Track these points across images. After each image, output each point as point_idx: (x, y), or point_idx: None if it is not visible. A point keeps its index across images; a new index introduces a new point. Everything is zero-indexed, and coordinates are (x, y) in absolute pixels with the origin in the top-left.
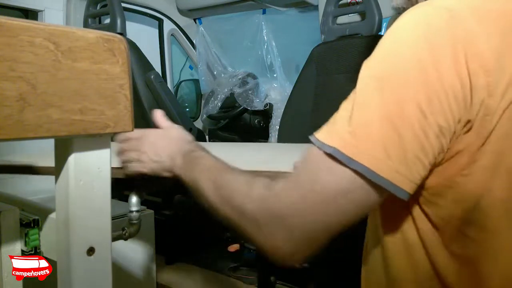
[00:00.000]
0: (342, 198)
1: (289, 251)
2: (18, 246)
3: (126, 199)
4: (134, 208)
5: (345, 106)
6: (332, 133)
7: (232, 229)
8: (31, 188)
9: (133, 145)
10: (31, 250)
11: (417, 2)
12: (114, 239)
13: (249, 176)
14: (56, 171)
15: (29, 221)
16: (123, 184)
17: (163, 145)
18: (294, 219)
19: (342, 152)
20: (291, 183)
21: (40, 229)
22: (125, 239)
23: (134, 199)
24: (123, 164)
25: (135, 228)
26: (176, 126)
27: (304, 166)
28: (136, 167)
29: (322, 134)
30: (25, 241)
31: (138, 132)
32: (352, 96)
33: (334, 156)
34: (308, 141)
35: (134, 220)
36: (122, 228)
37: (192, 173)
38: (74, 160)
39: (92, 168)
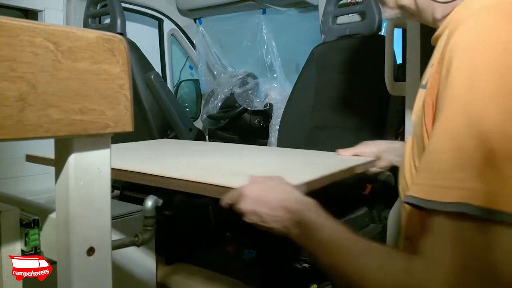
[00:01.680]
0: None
1: None
2: (18, 246)
3: (126, 199)
4: (149, 214)
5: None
6: (443, 187)
7: None
8: (31, 188)
9: (248, 208)
10: (31, 250)
11: (418, 10)
12: (127, 245)
13: (382, 256)
14: (56, 171)
15: (29, 221)
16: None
17: (272, 198)
18: None
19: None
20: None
21: (40, 229)
22: (138, 246)
23: (149, 204)
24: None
25: (149, 235)
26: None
27: (438, 242)
28: (265, 227)
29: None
30: (25, 241)
31: (237, 192)
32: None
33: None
34: (309, 141)
35: (148, 226)
36: (135, 235)
37: (310, 247)
38: (74, 160)
39: (92, 168)
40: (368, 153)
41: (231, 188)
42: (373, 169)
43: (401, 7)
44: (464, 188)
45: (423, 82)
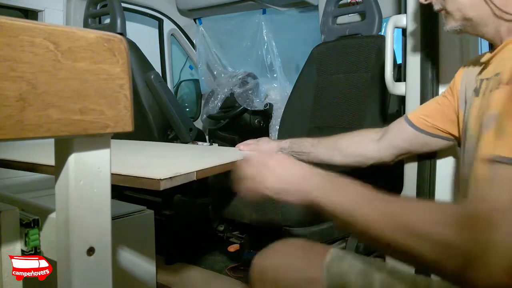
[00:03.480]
0: None
1: (495, 284)
2: (18, 246)
3: (126, 199)
4: None
5: None
6: None
7: (403, 257)
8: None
9: (257, 165)
10: (31, 250)
11: (482, 24)
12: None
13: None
14: (56, 171)
15: (29, 221)
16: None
17: (289, 166)
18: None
19: None
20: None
21: (40, 229)
22: None
23: None
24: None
25: None
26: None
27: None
28: (259, 189)
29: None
30: (25, 241)
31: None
32: None
33: None
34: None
35: None
36: None
37: (339, 197)
38: (74, 160)
39: (92, 168)
40: (262, 150)
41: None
42: None
43: (466, 20)
44: None
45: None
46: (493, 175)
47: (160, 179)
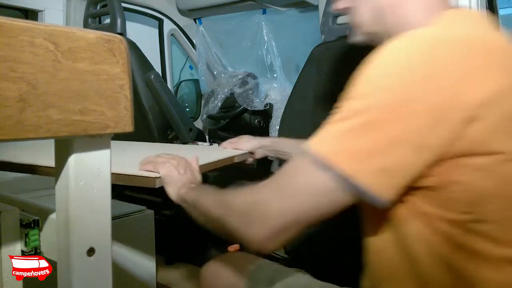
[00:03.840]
0: (312, 197)
1: (264, 237)
2: (18, 247)
3: (126, 199)
4: None
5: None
6: (318, 142)
7: (218, 230)
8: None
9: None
10: (31, 251)
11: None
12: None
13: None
14: (56, 171)
15: (29, 222)
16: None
17: (184, 167)
18: (269, 208)
19: (319, 158)
20: (271, 180)
21: (40, 229)
22: None
23: None
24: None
25: None
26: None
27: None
28: (156, 166)
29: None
30: (25, 242)
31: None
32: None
33: (314, 160)
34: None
35: None
36: None
37: (194, 193)
38: (74, 160)
39: (92, 169)
40: (245, 148)
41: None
42: (249, 160)
43: (370, 33)
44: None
45: None
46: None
47: (156, 177)
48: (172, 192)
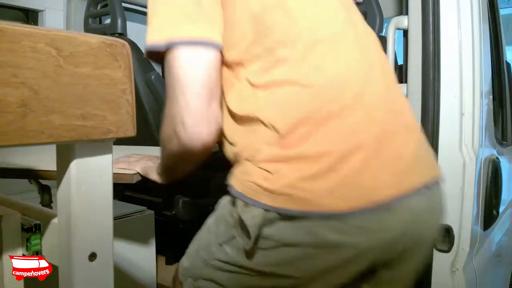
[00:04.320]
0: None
1: (197, 133)
2: (20, 251)
3: (126, 200)
4: None
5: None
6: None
7: (181, 167)
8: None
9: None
10: (33, 255)
11: None
12: None
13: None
14: (58, 176)
15: (31, 226)
16: None
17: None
18: (182, 112)
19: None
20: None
21: (41, 234)
22: None
23: None
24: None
25: None
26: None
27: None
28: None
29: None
30: (27, 246)
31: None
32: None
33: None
34: None
35: None
36: None
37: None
38: (76, 165)
39: (94, 174)
40: None
41: None
42: None
43: None
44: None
45: None
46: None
47: (133, 174)
48: (156, 177)
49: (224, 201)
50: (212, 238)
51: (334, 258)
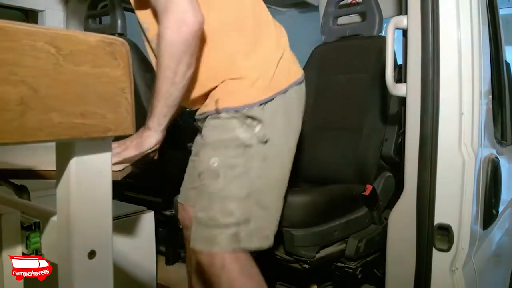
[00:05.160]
0: None
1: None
2: (19, 249)
3: (126, 200)
4: None
5: None
6: None
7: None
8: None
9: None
10: (32, 253)
11: None
12: None
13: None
14: (57, 174)
15: (30, 224)
16: None
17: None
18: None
19: None
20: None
21: (41, 232)
22: None
23: None
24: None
25: None
26: None
27: None
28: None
29: None
30: (26, 244)
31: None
32: None
33: None
34: (309, 142)
35: None
36: None
37: (157, 109)
38: (76, 163)
39: (93, 172)
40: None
41: None
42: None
43: None
44: None
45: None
46: None
47: (119, 171)
48: (153, 137)
49: None
50: None
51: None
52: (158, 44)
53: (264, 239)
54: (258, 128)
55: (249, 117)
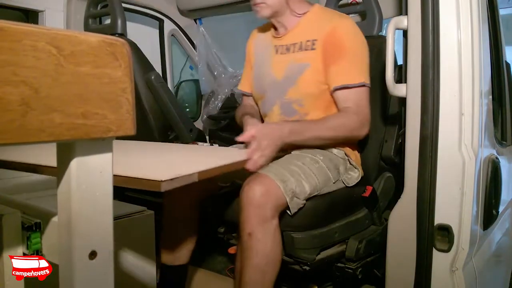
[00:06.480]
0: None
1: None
2: (20, 250)
3: (126, 200)
4: None
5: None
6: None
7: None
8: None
9: (256, 147)
10: (33, 254)
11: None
12: None
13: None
14: (58, 174)
15: (31, 225)
16: None
17: (269, 135)
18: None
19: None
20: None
21: (42, 232)
22: None
23: None
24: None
25: None
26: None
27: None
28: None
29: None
30: (27, 245)
31: (249, 134)
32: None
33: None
34: None
35: None
36: None
37: (301, 135)
38: (77, 164)
39: (94, 172)
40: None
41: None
42: None
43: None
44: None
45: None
46: (347, 96)
47: (161, 181)
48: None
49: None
50: None
51: None
52: (338, 117)
53: None
54: None
55: None
